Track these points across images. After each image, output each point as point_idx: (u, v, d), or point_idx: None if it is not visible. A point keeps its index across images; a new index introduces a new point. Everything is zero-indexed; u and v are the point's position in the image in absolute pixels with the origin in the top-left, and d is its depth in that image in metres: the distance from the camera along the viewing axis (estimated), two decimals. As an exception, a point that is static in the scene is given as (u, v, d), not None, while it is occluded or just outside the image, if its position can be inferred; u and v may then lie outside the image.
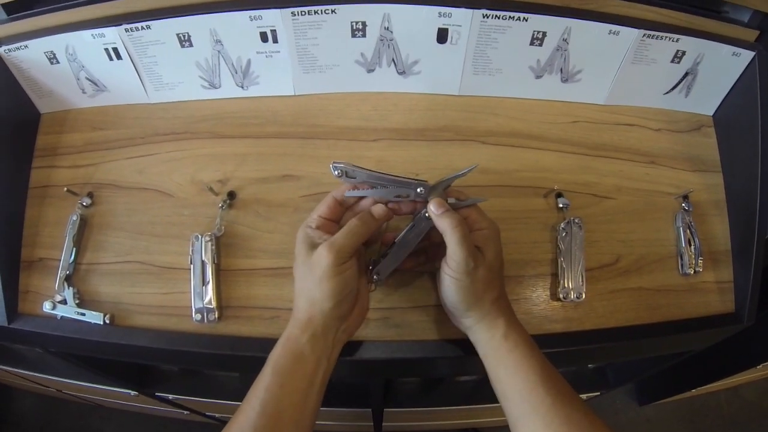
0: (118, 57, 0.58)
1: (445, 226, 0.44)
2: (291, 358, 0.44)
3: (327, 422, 1.15)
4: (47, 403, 1.50)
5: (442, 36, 0.56)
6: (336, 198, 0.48)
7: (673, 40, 0.58)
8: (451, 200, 0.47)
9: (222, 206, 0.56)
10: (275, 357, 0.44)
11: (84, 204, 0.58)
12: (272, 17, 0.54)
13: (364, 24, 0.55)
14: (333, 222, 0.48)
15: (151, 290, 0.56)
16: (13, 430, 1.50)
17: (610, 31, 0.56)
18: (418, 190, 0.47)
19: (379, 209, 0.47)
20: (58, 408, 1.50)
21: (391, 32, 0.55)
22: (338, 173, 0.46)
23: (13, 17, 0.57)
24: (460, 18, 0.54)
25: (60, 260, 0.56)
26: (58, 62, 0.58)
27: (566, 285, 0.56)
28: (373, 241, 0.53)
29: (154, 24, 0.55)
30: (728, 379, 1.09)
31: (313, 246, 0.45)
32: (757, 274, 0.59)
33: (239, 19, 0.54)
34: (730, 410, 1.55)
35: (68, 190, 0.57)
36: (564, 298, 0.56)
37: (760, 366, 0.95)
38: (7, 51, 0.57)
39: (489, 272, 0.45)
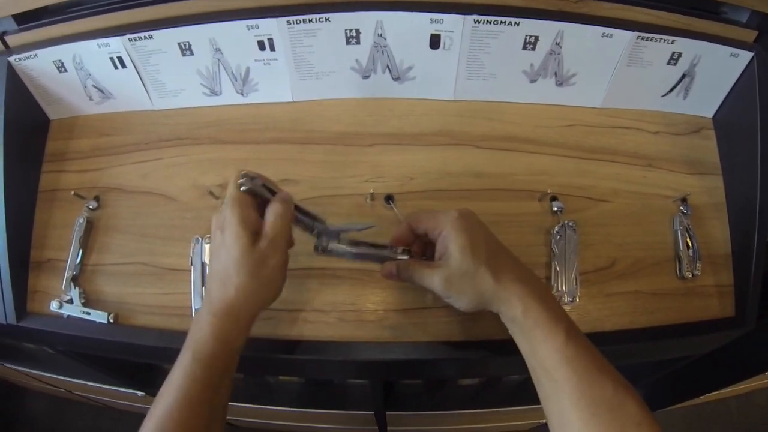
0: (123, 65, 0.60)
1: (406, 279, 0.48)
2: (213, 343, 0.42)
3: (331, 425, 1.15)
4: (58, 404, 1.53)
5: (434, 42, 0.56)
6: None
7: (668, 42, 0.58)
8: (347, 225, 0.51)
9: (222, 210, 0.58)
10: (197, 341, 0.43)
11: (90, 207, 0.60)
12: (269, 26, 0.55)
13: (357, 31, 0.56)
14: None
15: (154, 290, 0.57)
16: (25, 430, 1.54)
17: (603, 33, 0.56)
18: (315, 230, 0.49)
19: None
20: (69, 409, 1.53)
21: (385, 39, 0.56)
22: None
23: (23, 27, 0.59)
24: (452, 24, 0.55)
25: (67, 261, 0.58)
26: (66, 71, 0.61)
27: (560, 288, 0.56)
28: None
29: (156, 33, 0.57)
30: (738, 385, 1.06)
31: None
32: (758, 278, 0.59)
33: (237, 28, 0.56)
34: (740, 417, 1.52)
35: (75, 194, 0.59)
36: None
37: (768, 371, 0.93)
38: (17, 60, 0.59)
39: (464, 271, 0.44)
